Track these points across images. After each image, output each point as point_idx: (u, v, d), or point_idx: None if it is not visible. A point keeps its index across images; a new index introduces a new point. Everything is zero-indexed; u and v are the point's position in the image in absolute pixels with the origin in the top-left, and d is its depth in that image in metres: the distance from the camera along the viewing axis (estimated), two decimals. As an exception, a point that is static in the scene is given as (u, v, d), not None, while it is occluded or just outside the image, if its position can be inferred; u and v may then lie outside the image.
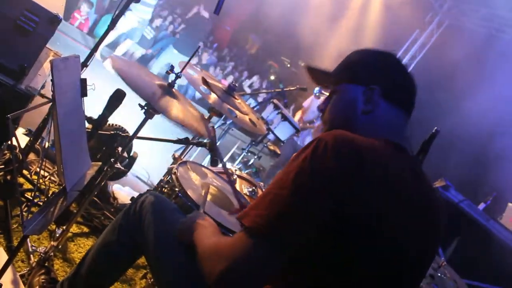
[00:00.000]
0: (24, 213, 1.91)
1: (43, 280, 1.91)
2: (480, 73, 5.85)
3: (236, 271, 1.03)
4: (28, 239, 2.19)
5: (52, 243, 2.10)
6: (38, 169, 2.74)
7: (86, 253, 1.80)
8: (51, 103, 1.54)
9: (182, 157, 2.93)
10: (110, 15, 8.39)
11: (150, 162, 4.50)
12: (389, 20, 8.39)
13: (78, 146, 1.78)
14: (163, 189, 2.27)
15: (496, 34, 7.35)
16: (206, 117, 2.60)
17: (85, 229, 2.67)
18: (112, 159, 2.10)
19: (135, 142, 2.45)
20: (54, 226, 2.34)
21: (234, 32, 12.03)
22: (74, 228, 2.59)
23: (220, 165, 2.56)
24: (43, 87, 2.42)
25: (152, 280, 2.36)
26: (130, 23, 7.75)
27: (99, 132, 2.60)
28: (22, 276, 1.97)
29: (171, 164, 2.72)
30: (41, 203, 2.33)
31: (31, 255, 2.14)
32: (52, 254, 2.11)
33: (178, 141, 2.82)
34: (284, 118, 4.31)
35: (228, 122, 4.17)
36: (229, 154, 4.97)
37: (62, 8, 2.31)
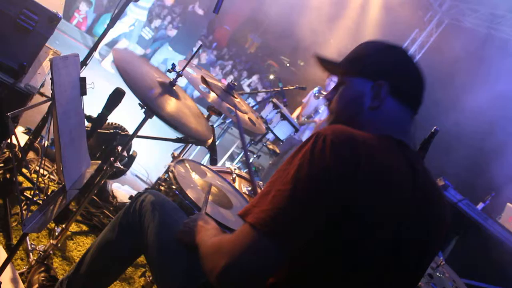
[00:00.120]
0: (23, 212, 1.91)
1: (42, 278, 1.91)
2: (479, 72, 5.85)
3: (239, 266, 1.02)
4: (27, 238, 2.20)
5: (51, 241, 2.10)
6: (37, 168, 2.74)
7: (86, 251, 1.80)
8: (50, 102, 1.54)
9: (181, 156, 2.93)
10: (109, 14, 8.39)
11: (149, 161, 4.50)
12: (388, 19, 8.39)
13: (78, 145, 1.78)
14: (160, 186, 2.27)
15: (495, 34, 7.35)
16: (205, 116, 2.60)
17: (84, 228, 2.67)
18: (111, 158, 2.10)
19: (135, 140, 2.45)
20: (53, 225, 2.34)
21: (233, 32, 12.03)
22: (73, 227, 2.59)
23: (219, 164, 2.56)
24: (42, 85, 2.42)
25: (151, 278, 2.37)
26: (127, 23, 7.76)
27: (99, 130, 2.61)
28: (21, 274, 1.97)
29: (169, 163, 2.72)
30: (40, 202, 2.33)
31: (30, 254, 2.15)
32: (51, 252, 2.12)
33: (177, 140, 2.82)
34: (283, 117, 4.31)
35: (227, 121, 4.18)
36: (228, 153, 4.97)
37: (61, 6, 2.31)
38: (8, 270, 1.84)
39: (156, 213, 1.67)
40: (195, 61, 9.71)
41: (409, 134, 1.29)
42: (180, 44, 8.77)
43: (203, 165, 2.71)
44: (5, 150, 2.37)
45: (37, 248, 2.11)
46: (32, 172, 2.69)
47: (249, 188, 3.01)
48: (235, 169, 3.11)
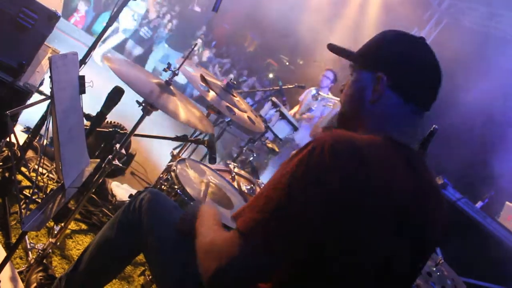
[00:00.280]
0: (22, 210, 1.90)
1: (41, 277, 1.91)
2: (479, 71, 5.85)
3: (229, 272, 1.03)
4: (26, 236, 2.19)
5: (50, 240, 2.10)
6: (36, 166, 2.74)
7: (85, 249, 1.80)
8: (49, 100, 1.53)
9: (180, 155, 2.93)
10: (108, 12, 8.39)
11: (148, 160, 4.50)
12: (387, 18, 8.38)
13: (77, 143, 1.78)
14: (162, 186, 2.27)
15: (494, 33, 7.35)
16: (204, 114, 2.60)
17: (84, 226, 2.67)
18: (110, 156, 2.10)
19: (133, 139, 2.45)
20: (52, 223, 2.34)
21: (233, 30, 12.01)
22: (72, 225, 2.59)
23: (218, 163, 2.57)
24: (41, 84, 2.42)
25: (150, 277, 2.37)
26: (125, 18, 7.80)
27: (98, 129, 2.61)
28: (20, 273, 1.97)
29: (169, 162, 2.72)
30: (39, 200, 2.33)
31: (29, 252, 2.14)
32: (50, 251, 2.12)
33: (176, 139, 2.82)
34: (283, 116, 4.31)
35: (226, 120, 4.18)
36: (228, 152, 4.97)
37: (60, 5, 2.31)
38: (7, 269, 1.84)
39: (156, 212, 1.67)
40: (195, 60, 9.71)
41: (411, 131, 1.26)
42: (177, 41, 8.78)
43: (203, 164, 2.71)
44: (4, 148, 2.37)
45: (36, 247, 2.11)
46: (31, 170, 2.68)
47: (249, 187, 3.01)
48: (234, 167, 3.11)
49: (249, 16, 10.33)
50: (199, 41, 9.70)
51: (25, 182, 2.60)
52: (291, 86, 4.93)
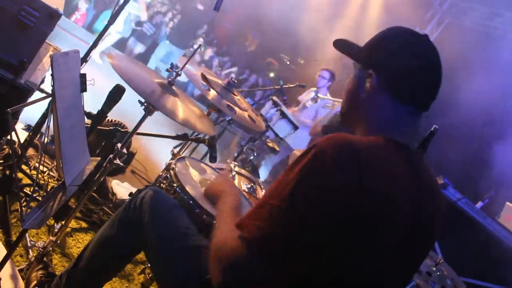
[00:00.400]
0: (23, 208, 1.91)
1: (41, 275, 1.91)
2: (480, 71, 5.85)
3: (235, 279, 1.05)
4: (26, 234, 2.19)
5: (50, 238, 2.10)
6: (37, 164, 2.74)
7: (85, 247, 1.80)
8: (50, 98, 1.54)
9: (180, 153, 2.93)
10: (109, 10, 8.39)
11: (149, 158, 4.50)
12: (389, 18, 8.37)
13: (78, 141, 1.78)
14: (161, 184, 2.27)
15: (496, 33, 7.35)
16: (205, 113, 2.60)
17: (84, 225, 2.67)
18: (111, 155, 2.10)
19: (134, 138, 2.45)
20: (52, 221, 2.34)
21: (233, 29, 12.01)
22: (72, 223, 2.59)
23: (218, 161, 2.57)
24: (42, 82, 2.42)
25: (150, 275, 2.37)
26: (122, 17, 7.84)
27: (98, 127, 2.61)
28: (20, 270, 1.97)
29: (169, 160, 2.72)
30: (40, 198, 2.33)
31: (30, 250, 2.15)
32: (50, 249, 2.12)
33: (176, 137, 2.82)
34: (283, 115, 4.31)
35: (227, 119, 4.17)
36: (228, 151, 4.97)
37: (62, 3, 2.31)
38: (7, 267, 1.84)
39: (156, 210, 1.67)
40: (197, 58, 9.71)
41: (410, 131, 1.24)
42: (179, 38, 8.78)
43: (203, 162, 2.71)
44: (5, 146, 2.37)
45: (37, 245, 2.11)
46: (31, 168, 2.69)
47: (249, 186, 3.01)
48: (234, 166, 3.11)
49: (250, 15, 10.33)
50: (201, 40, 9.71)
51: (26, 180, 2.61)
52: (292, 86, 4.93)
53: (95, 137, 3.02)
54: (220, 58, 10.85)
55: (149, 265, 2.31)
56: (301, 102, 6.11)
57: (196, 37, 9.77)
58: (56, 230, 2.19)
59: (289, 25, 9.35)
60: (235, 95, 2.89)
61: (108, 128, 3.01)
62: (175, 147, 3.16)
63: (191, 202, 2.05)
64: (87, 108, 2.06)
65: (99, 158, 2.11)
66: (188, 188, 2.11)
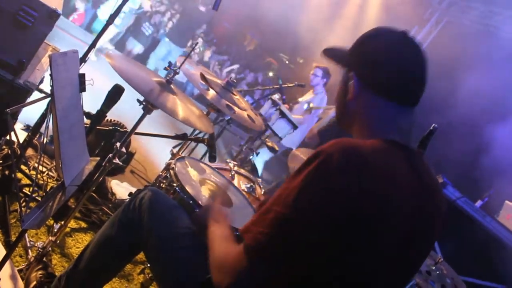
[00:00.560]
0: (22, 208, 1.91)
1: (40, 275, 1.91)
2: (479, 70, 5.85)
3: (243, 286, 1.06)
4: (26, 234, 2.19)
5: (50, 238, 2.10)
6: (36, 164, 2.74)
7: (85, 247, 1.80)
8: (49, 98, 1.53)
9: (180, 153, 2.93)
10: (104, 4, 8.37)
11: (148, 158, 4.50)
12: (388, 17, 8.37)
13: (77, 141, 1.78)
14: (161, 184, 2.27)
15: (495, 32, 7.35)
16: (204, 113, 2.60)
17: (83, 225, 2.67)
18: (110, 155, 2.10)
19: (133, 137, 2.45)
20: (52, 221, 2.34)
21: (232, 29, 12.01)
22: (72, 224, 2.59)
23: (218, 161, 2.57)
24: (41, 82, 2.42)
25: (150, 275, 2.37)
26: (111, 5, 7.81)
27: (98, 127, 2.61)
28: (20, 271, 1.97)
29: (169, 160, 2.72)
30: (39, 198, 2.33)
31: (29, 250, 2.15)
32: (50, 249, 2.11)
33: (176, 137, 2.82)
34: (282, 114, 4.31)
35: (226, 118, 4.17)
36: (227, 151, 4.97)
37: (60, 3, 2.31)
38: (7, 267, 1.84)
39: (156, 210, 1.67)
40: (196, 58, 9.70)
41: (405, 129, 1.24)
42: (178, 36, 8.78)
43: (202, 162, 2.71)
44: (4, 146, 2.37)
45: (36, 245, 2.11)
46: (31, 168, 2.68)
47: (248, 186, 3.01)
48: (234, 166, 3.11)
49: (249, 15, 10.32)
50: (200, 40, 9.69)
51: (25, 180, 2.60)
52: (291, 85, 4.93)
53: (94, 137, 3.02)
54: (220, 57, 10.84)
55: (148, 265, 2.31)
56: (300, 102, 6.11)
57: (195, 37, 9.76)
58: (55, 230, 2.19)
59: (288, 24, 9.35)
60: (234, 94, 2.89)
61: (107, 128, 3.01)
62: (174, 147, 3.16)
63: (190, 201, 2.05)
64: (86, 108, 2.06)
65: (98, 158, 2.11)
66: (187, 188, 2.11)
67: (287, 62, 12.43)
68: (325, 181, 1.03)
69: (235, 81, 2.95)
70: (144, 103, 2.10)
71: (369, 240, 1.06)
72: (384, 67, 1.23)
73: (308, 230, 1.02)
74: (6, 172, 2.36)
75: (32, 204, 2.26)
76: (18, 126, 3.09)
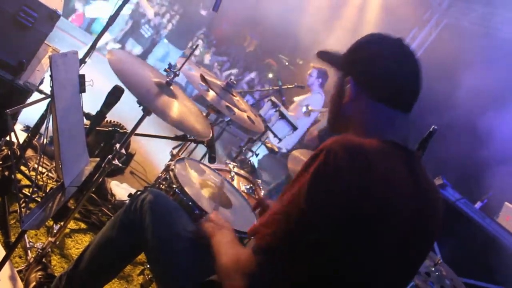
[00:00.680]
0: (22, 209, 1.90)
1: (40, 276, 1.91)
2: (478, 71, 5.85)
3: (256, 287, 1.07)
4: (25, 235, 2.19)
5: (49, 239, 2.10)
6: (36, 165, 2.74)
7: (85, 248, 1.80)
8: (49, 99, 1.53)
9: (179, 154, 2.93)
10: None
11: (148, 159, 4.50)
12: (387, 18, 8.38)
13: (76, 142, 1.78)
14: (161, 185, 2.27)
15: (495, 33, 7.36)
16: (204, 114, 2.60)
17: (83, 226, 2.67)
18: (110, 156, 2.10)
19: (133, 138, 2.45)
20: (51, 222, 2.34)
21: (232, 30, 12.01)
22: (71, 224, 2.59)
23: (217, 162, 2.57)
24: (41, 83, 2.42)
25: (149, 276, 2.37)
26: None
27: (97, 128, 2.61)
28: (19, 272, 1.97)
29: (168, 161, 2.72)
30: (39, 199, 2.33)
31: (29, 251, 2.14)
32: (49, 250, 2.11)
33: (176, 138, 2.82)
34: (282, 116, 4.31)
35: (226, 119, 4.17)
36: (227, 152, 4.96)
37: (61, 4, 2.31)
38: (6, 268, 1.84)
39: (157, 212, 1.67)
40: (195, 60, 9.70)
41: (401, 133, 1.25)
42: (178, 37, 8.78)
43: (202, 163, 2.71)
44: (4, 147, 2.37)
45: (36, 246, 2.11)
46: (30, 169, 2.68)
47: (248, 187, 3.01)
48: (233, 167, 3.11)
49: (248, 16, 10.33)
50: (200, 42, 9.69)
51: (25, 181, 2.60)
52: (291, 86, 4.94)
53: (94, 138, 3.02)
54: (219, 58, 10.84)
55: (148, 266, 2.31)
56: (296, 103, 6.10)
57: (194, 39, 9.76)
58: (55, 231, 2.19)
59: (288, 26, 9.36)
60: (234, 96, 2.89)
61: (107, 129, 3.01)
62: (174, 148, 3.16)
63: (190, 203, 2.05)
64: (86, 109, 2.06)
65: (98, 159, 2.11)
66: (187, 189, 2.11)
67: (286, 63, 12.43)
68: (331, 175, 1.04)
69: (235, 82, 2.95)
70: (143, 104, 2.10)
71: (368, 239, 1.06)
72: (381, 73, 1.26)
73: (320, 230, 1.03)
74: (6, 173, 2.36)
75: (31, 205, 2.26)
76: (18, 127, 3.09)
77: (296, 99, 6.04)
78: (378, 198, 1.05)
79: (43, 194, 2.40)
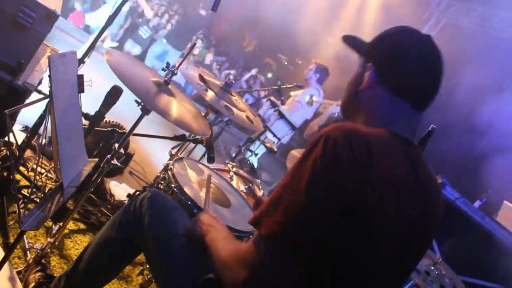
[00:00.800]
0: (20, 210, 1.90)
1: (39, 277, 1.91)
2: (477, 71, 5.86)
3: (259, 279, 1.04)
4: (24, 236, 2.19)
5: (48, 239, 2.10)
6: (34, 166, 2.74)
7: (84, 248, 1.80)
8: (48, 99, 1.53)
9: (178, 154, 2.93)
10: (104, 6, 8.39)
11: (147, 159, 4.50)
12: (386, 18, 8.39)
13: (75, 143, 1.78)
14: (159, 185, 2.27)
15: (493, 33, 7.37)
16: (203, 114, 2.60)
17: (82, 226, 2.66)
18: (108, 156, 2.10)
19: (132, 138, 2.45)
20: (50, 223, 2.34)
21: (231, 30, 12.02)
22: (70, 225, 2.58)
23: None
24: (40, 83, 2.42)
25: (149, 277, 2.37)
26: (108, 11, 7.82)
27: (96, 128, 2.60)
28: (18, 272, 1.96)
29: (167, 161, 2.72)
30: (37, 200, 2.32)
31: (28, 252, 2.14)
32: (48, 250, 2.11)
33: (174, 138, 2.82)
34: (281, 115, 4.31)
35: (225, 119, 4.18)
36: (226, 152, 4.96)
37: (59, 4, 2.31)
38: (5, 269, 1.83)
39: (157, 212, 1.67)
40: (193, 60, 9.70)
41: (408, 127, 1.25)
42: (176, 38, 8.80)
43: (201, 163, 2.71)
44: (3, 148, 2.37)
45: (35, 247, 2.11)
46: (29, 170, 2.68)
47: (247, 186, 3.01)
48: (232, 167, 3.11)
49: (248, 16, 10.34)
50: (199, 42, 9.70)
51: (24, 182, 2.60)
52: (290, 86, 4.94)
53: (92, 138, 3.01)
54: (218, 58, 10.85)
55: (147, 266, 2.31)
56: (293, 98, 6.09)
57: (193, 39, 9.77)
58: (54, 232, 2.19)
59: (287, 26, 9.37)
60: (232, 95, 2.89)
61: (105, 129, 3.01)
62: (173, 148, 3.16)
63: (189, 202, 2.06)
64: (85, 109, 2.06)
65: (96, 159, 2.10)
66: (186, 189, 2.11)
67: (286, 63, 12.44)
68: (334, 163, 1.02)
69: (233, 82, 2.95)
70: (142, 103, 2.10)
71: (369, 240, 1.06)
72: (404, 66, 1.24)
73: (318, 228, 1.02)
74: (5, 174, 2.35)
75: (30, 206, 2.26)
76: (16, 127, 3.09)
77: (292, 93, 6.04)
78: (379, 196, 1.05)
79: (42, 195, 2.39)
